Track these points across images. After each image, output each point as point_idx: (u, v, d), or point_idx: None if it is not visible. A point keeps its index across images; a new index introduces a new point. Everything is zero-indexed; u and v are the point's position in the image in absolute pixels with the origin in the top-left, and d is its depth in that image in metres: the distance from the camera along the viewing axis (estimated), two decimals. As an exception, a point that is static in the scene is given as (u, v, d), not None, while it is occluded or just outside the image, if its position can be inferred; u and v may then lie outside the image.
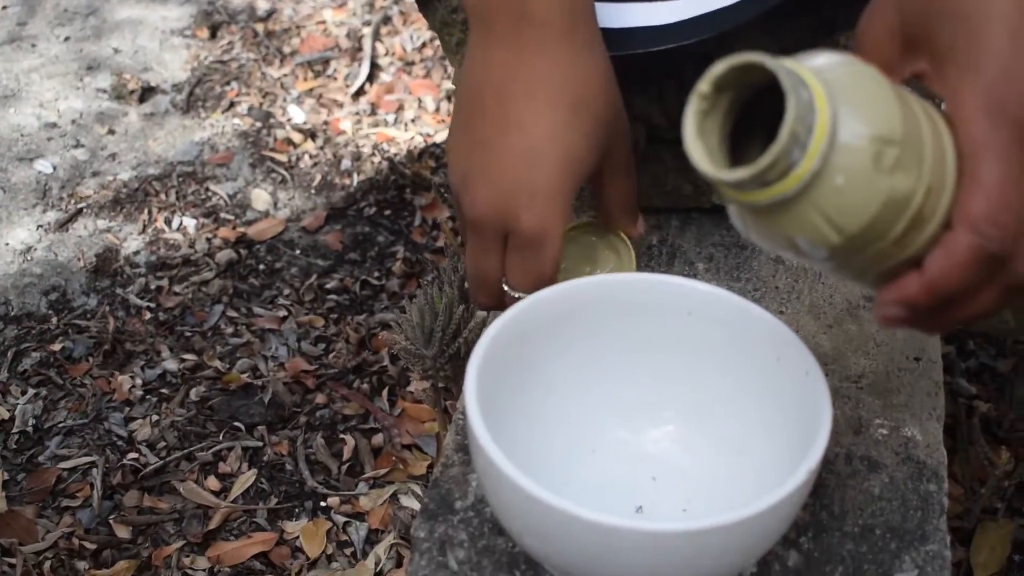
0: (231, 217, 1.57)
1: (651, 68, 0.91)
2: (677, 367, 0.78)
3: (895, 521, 0.76)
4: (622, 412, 0.79)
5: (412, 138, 1.74)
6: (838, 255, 0.59)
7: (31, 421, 1.26)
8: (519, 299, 0.75)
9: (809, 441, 0.66)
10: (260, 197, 1.63)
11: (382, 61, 1.95)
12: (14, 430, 1.24)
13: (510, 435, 0.68)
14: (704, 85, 0.58)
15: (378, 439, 1.24)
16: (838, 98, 0.56)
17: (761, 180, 0.56)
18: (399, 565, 1.05)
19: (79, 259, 1.51)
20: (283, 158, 1.70)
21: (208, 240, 1.55)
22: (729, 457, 0.76)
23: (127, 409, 1.28)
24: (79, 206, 1.61)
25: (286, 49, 1.97)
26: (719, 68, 0.57)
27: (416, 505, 1.08)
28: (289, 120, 1.79)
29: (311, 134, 1.75)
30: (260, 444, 1.23)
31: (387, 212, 1.60)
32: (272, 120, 1.78)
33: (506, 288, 0.80)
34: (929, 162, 0.57)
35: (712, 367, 0.77)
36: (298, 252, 1.52)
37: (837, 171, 0.56)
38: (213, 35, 2.00)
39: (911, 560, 0.74)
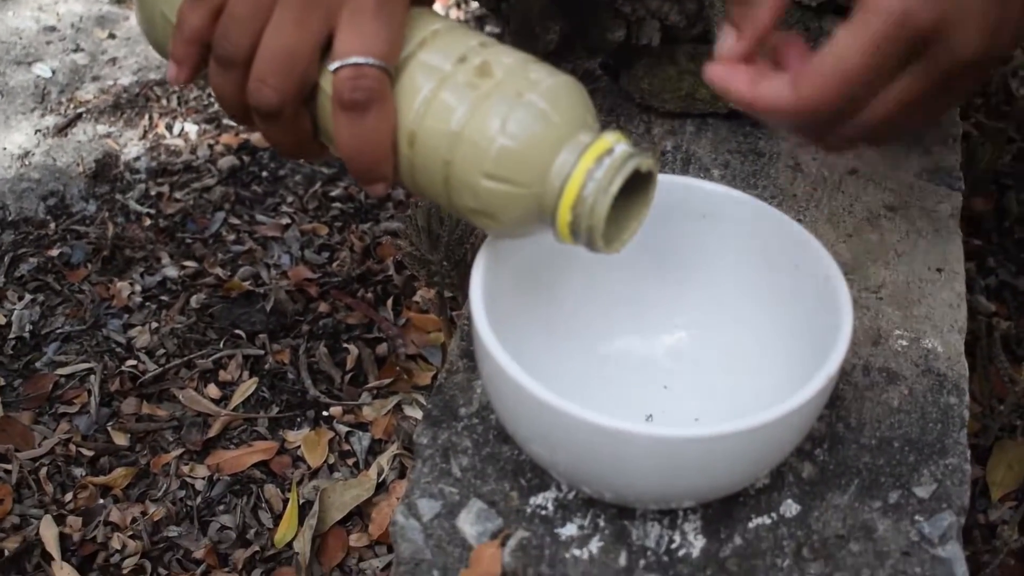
0: (233, 123, 1.53)
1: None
2: (690, 273, 0.76)
3: (914, 434, 0.74)
4: (632, 320, 0.77)
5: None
6: None
7: (28, 327, 1.24)
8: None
9: (827, 349, 0.64)
10: (263, 102, 1.59)
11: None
12: (11, 336, 1.22)
13: (515, 342, 0.66)
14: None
15: (382, 349, 1.22)
16: None
17: None
18: (402, 476, 1.03)
19: (78, 164, 1.48)
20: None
21: (210, 146, 1.52)
22: (743, 366, 0.74)
23: (126, 316, 1.26)
24: (78, 111, 1.58)
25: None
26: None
27: (420, 416, 1.07)
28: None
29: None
30: (261, 352, 1.21)
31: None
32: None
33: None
34: None
35: (727, 273, 0.74)
36: (301, 159, 1.49)
37: None
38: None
39: (929, 474, 0.72)
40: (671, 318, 0.77)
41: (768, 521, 0.69)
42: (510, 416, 0.65)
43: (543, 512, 0.70)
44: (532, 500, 0.71)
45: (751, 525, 0.69)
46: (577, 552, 0.68)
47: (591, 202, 0.60)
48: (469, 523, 0.70)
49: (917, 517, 0.69)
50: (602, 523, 0.69)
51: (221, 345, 1.22)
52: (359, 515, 1.04)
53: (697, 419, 0.74)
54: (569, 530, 0.69)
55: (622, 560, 0.67)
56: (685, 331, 0.77)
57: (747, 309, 0.74)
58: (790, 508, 0.70)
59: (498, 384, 0.63)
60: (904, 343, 0.81)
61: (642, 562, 0.67)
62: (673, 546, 0.68)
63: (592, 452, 0.61)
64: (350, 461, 1.10)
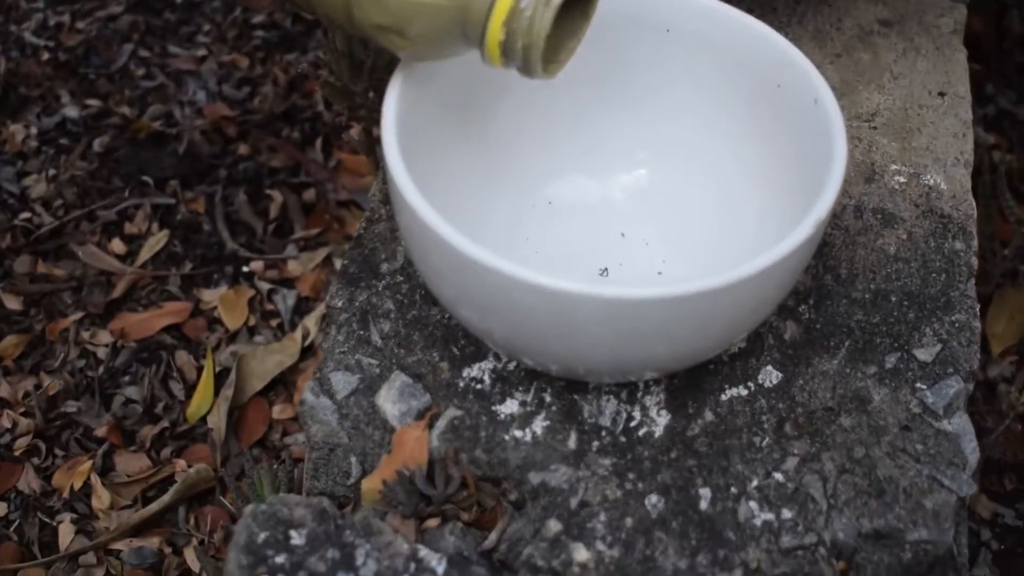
0: (140, -59, 1.39)
1: None
2: (651, 99, 0.65)
3: (914, 286, 0.65)
4: (582, 156, 0.67)
5: None
6: None
7: (-94, 176, 1.12)
8: None
9: (816, 187, 0.54)
10: (174, -82, 1.44)
11: None
12: None
13: (438, 184, 0.56)
14: None
15: (310, 195, 1.12)
16: None
17: None
18: (332, 338, 0.93)
19: (-37, -9, 1.34)
20: None
21: (115, -32, 1.37)
22: (715, 209, 0.64)
23: (20, 163, 1.15)
24: (-38, -72, 1.42)
25: None
26: None
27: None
28: None
29: None
30: (173, 201, 1.10)
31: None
32: None
33: None
34: None
35: (697, 97, 0.64)
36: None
37: None
38: None
39: (932, 332, 0.63)
40: (629, 153, 0.66)
41: (744, 392, 0.61)
42: (433, 275, 0.55)
43: (478, 386, 0.61)
44: (466, 372, 0.61)
45: (724, 397, 0.60)
46: (518, 433, 0.59)
47: (529, 15, 0.50)
48: (391, 400, 0.61)
49: (918, 384, 0.61)
50: (548, 398, 0.60)
51: (127, 194, 1.12)
52: (283, 384, 0.95)
53: (660, 273, 0.64)
54: (509, 407, 0.60)
55: (571, 442, 0.59)
56: (645, 168, 0.66)
57: (719, 140, 0.64)
58: (770, 376, 0.61)
59: (416, 236, 0.53)
60: (902, 179, 0.71)
61: (595, 443, 0.58)
62: (632, 424, 0.59)
63: (533, 318, 0.51)
64: (273, 323, 1.01)
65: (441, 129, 0.61)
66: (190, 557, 0.83)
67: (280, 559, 0.53)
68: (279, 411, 0.93)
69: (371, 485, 0.59)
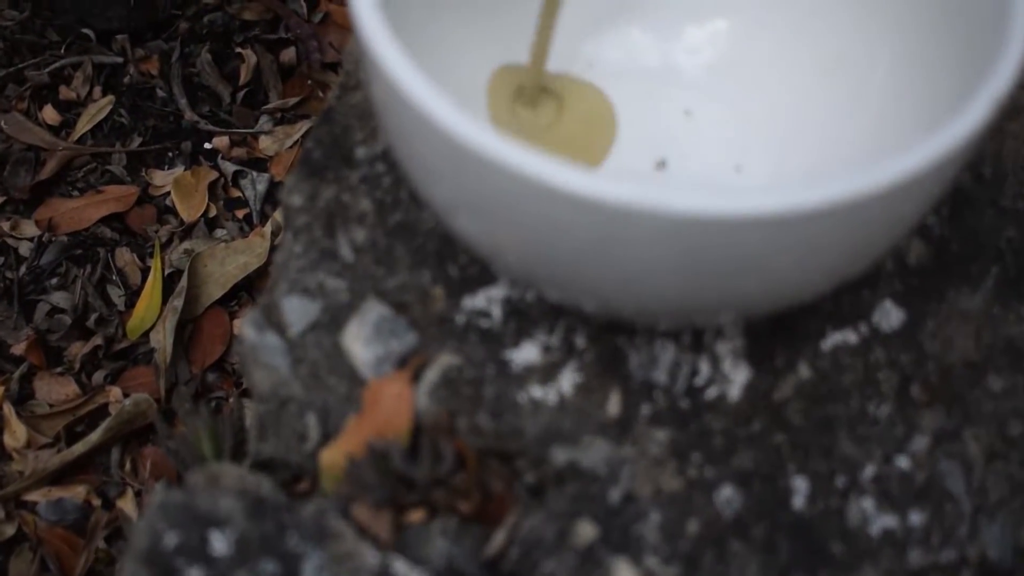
0: None
1: None
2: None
3: (1091, 192, 0.50)
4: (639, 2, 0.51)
5: None
6: None
7: None
8: None
9: (980, 47, 0.39)
10: None
11: None
12: None
13: (433, 41, 0.41)
14: None
15: (289, 55, 1.00)
16: None
17: None
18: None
19: None
20: None
21: None
22: (821, 78, 0.49)
23: (-64, 10, 1.01)
24: None
25: None
26: None
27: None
28: None
29: None
30: (120, 60, 0.99)
31: None
32: None
33: None
34: None
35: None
36: None
37: None
38: None
39: (1119, 259, 0.48)
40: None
41: (854, 338, 0.46)
42: (420, 171, 0.40)
43: (484, 323, 0.46)
44: (467, 303, 0.47)
45: (826, 346, 0.46)
46: (538, 392, 0.45)
47: None
48: (362, 340, 0.47)
49: (1103, 334, 0.46)
50: (580, 342, 0.46)
51: (63, 50, 0.99)
52: (247, 291, 0.82)
53: (739, 168, 0.49)
54: (526, 354, 0.46)
55: (612, 405, 0.45)
56: (725, 18, 0.50)
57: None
58: (889, 316, 0.47)
59: (394, 111, 0.38)
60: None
61: (645, 408, 0.44)
62: (698, 381, 0.45)
63: (561, 238, 0.36)
64: (239, 213, 0.88)
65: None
66: (125, 510, 0.70)
67: (194, 574, 0.39)
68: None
69: (333, 458, 0.46)
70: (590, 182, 0.34)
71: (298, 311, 0.48)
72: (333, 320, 0.47)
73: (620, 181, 0.34)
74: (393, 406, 0.45)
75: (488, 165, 0.35)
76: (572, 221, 0.36)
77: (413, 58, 0.37)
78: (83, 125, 0.93)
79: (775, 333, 0.46)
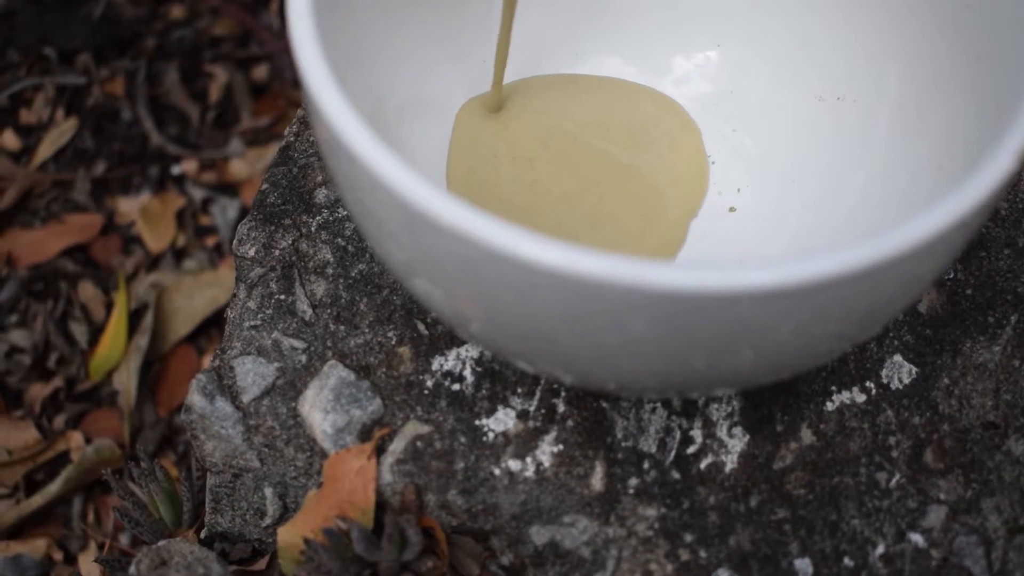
0: None
1: None
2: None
3: (1117, 230, 0.46)
4: (616, 28, 0.47)
5: None
6: None
7: None
8: None
9: (1004, 78, 0.36)
10: None
11: None
12: None
13: (385, 75, 0.37)
14: None
15: (261, 73, 0.95)
16: None
17: None
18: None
19: None
20: None
21: None
22: (822, 112, 0.45)
23: None
24: None
25: None
26: None
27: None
28: None
29: None
30: (83, 81, 0.94)
31: None
32: None
33: None
34: None
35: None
36: None
37: None
38: None
39: None
40: (698, 28, 0.47)
41: (861, 398, 0.42)
42: (374, 229, 0.36)
43: (455, 386, 0.43)
44: (437, 363, 0.43)
45: (830, 407, 0.42)
46: (515, 464, 0.41)
47: None
48: (321, 407, 0.43)
49: None
50: (561, 407, 0.42)
51: (24, 71, 0.94)
52: (217, 326, 0.77)
53: (733, 209, 0.45)
54: (502, 421, 0.42)
55: (596, 479, 0.41)
56: (715, 48, 0.47)
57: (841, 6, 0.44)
58: (899, 371, 0.43)
59: (337, 163, 0.34)
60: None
61: (633, 482, 0.40)
62: (690, 450, 0.41)
63: (534, 310, 0.33)
64: (209, 242, 0.83)
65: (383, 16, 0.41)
66: (86, 567, 0.67)
67: None
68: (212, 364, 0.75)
69: (291, 537, 0.42)
70: (567, 255, 0.30)
71: (252, 375, 0.44)
72: (290, 384, 0.44)
73: (594, 254, 0.30)
74: (355, 482, 0.41)
75: (446, 231, 0.31)
76: (547, 297, 0.32)
77: (357, 86, 0.34)
78: (45, 150, 0.88)
79: (774, 394, 0.42)
